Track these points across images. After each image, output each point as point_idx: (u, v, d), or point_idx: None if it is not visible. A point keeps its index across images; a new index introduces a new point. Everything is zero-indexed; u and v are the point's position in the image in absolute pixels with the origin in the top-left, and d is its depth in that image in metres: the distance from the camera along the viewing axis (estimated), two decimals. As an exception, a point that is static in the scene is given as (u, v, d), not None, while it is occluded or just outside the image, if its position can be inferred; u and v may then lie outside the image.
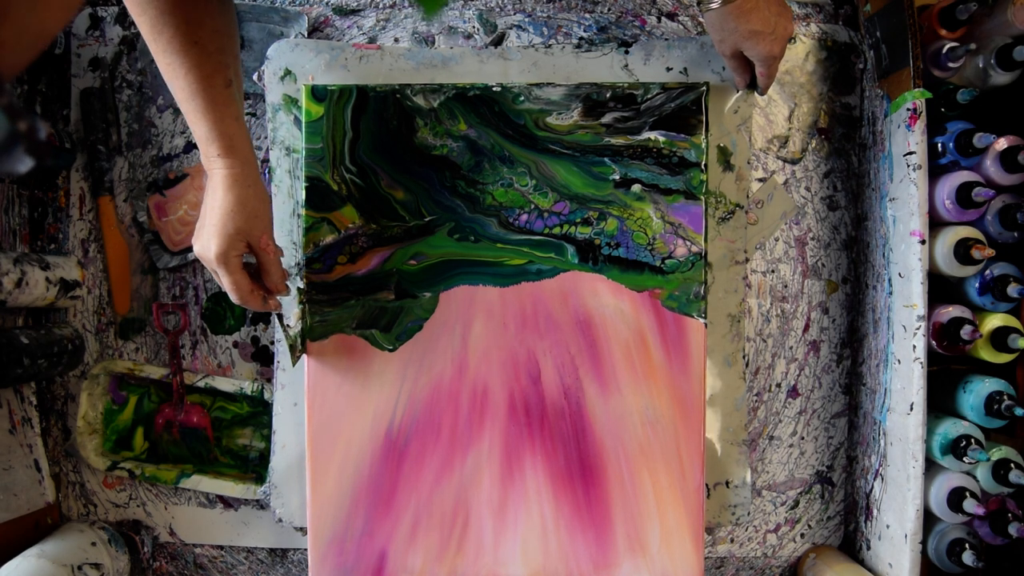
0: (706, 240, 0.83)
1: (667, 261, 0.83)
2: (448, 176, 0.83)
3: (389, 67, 0.87)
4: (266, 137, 0.91)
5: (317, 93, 0.82)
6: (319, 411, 0.82)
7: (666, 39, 0.89)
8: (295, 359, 0.80)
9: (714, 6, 0.74)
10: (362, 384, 0.82)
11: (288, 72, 0.86)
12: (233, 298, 0.70)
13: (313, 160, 0.82)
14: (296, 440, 0.87)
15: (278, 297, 0.76)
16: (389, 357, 0.83)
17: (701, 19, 0.91)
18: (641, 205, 0.83)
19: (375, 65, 0.86)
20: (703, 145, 0.83)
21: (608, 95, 0.83)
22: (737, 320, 0.88)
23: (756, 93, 0.86)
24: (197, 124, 0.67)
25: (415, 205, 0.83)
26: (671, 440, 0.83)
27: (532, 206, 0.83)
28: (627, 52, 0.88)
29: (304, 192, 0.82)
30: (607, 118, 0.83)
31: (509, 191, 0.83)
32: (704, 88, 0.83)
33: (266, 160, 0.91)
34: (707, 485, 0.88)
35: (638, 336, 0.83)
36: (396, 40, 0.92)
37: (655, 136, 0.83)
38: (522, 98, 0.83)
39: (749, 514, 0.90)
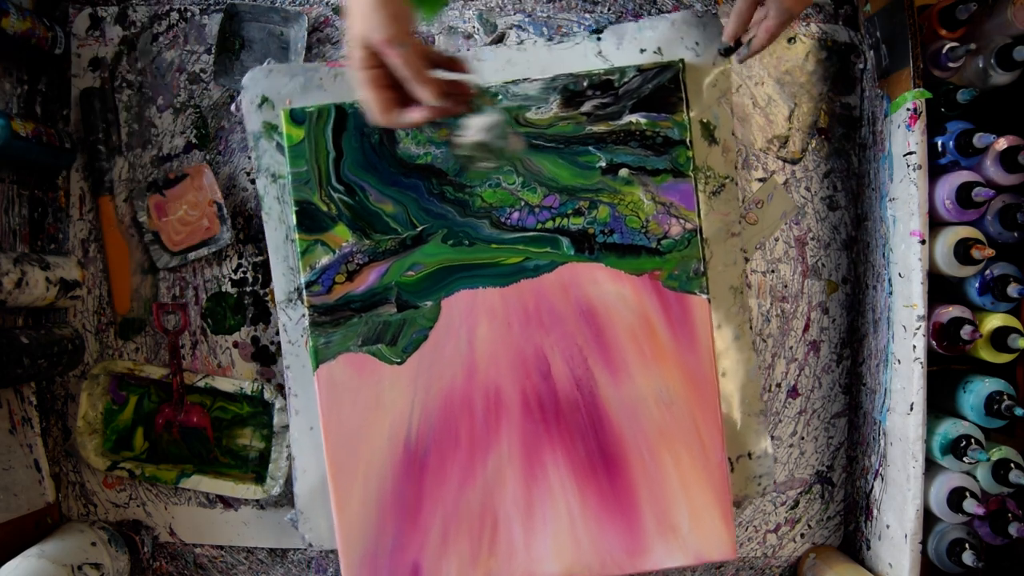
0: (699, 216, 0.83)
1: (663, 241, 0.83)
2: (435, 183, 0.83)
3: None
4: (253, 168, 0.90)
5: (296, 116, 0.82)
6: (335, 432, 0.82)
7: (636, 20, 0.88)
8: (490, 165, 0.80)
9: None
10: (375, 400, 0.82)
11: (265, 99, 0.85)
12: (409, 84, 0.61)
13: (299, 183, 0.82)
14: (316, 464, 0.86)
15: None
16: (398, 370, 0.82)
17: None
18: (631, 189, 0.83)
19: (350, 81, 0.85)
20: (685, 122, 0.82)
21: (585, 84, 0.83)
22: (740, 292, 0.88)
23: (734, 58, 0.82)
24: None
25: (406, 216, 0.83)
26: (688, 419, 0.82)
27: (522, 203, 0.83)
28: (599, 39, 0.87)
29: (294, 216, 0.82)
30: (587, 107, 0.83)
31: (497, 191, 0.83)
32: (680, 65, 0.83)
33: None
34: (730, 459, 0.87)
35: (643, 320, 0.83)
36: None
37: (636, 119, 0.83)
38: (500, 96, 0.83)
39: (775, 482, 0.89)
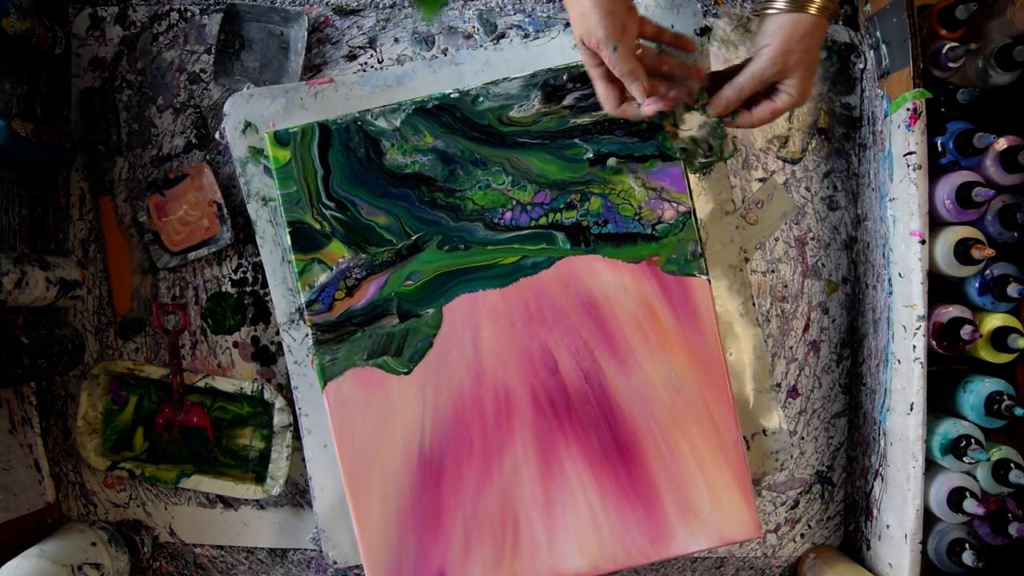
0: (691, 198, 0.83)
1: (658, 226, 0.83)
2: (425, 191, 0.83)
3: (345, 97, 0.86)
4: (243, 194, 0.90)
5: (280, 138, 0.82)
6: (349, 448, 0.82)
7: None
8: (707, 161, 0.79)
9: (813, 11, 0.64)
10: (385, 413, 0.82)
11: (248, 124, 0.85)
12: (623, 73, 0.66)
13: (290, 204, 0.82)
14: (333, 482, 0.86)
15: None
16: (406, 380, 0.82)
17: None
18: (620, 178, 0.83)
19: (331, 98, 0.86)
20: None
21: (565, 77, 0.82)
22: (739, 269, 0.88)
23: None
24: None
25: (399, 226, 0.82)
26: (699, 401, 0.82)
27: (514, 202, 0.83)
28: None
29: (288, 237, 0.82)
30: (568, 100, 0.82)
31: (488, 192, 0.83)
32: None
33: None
34: (745, 437, 0.87)
35: (645, 306, 0.82)
36: (396, 40, 0.92)
37: None
38: (481, 98, 0.82)
39: (792, 457, 0.89)
